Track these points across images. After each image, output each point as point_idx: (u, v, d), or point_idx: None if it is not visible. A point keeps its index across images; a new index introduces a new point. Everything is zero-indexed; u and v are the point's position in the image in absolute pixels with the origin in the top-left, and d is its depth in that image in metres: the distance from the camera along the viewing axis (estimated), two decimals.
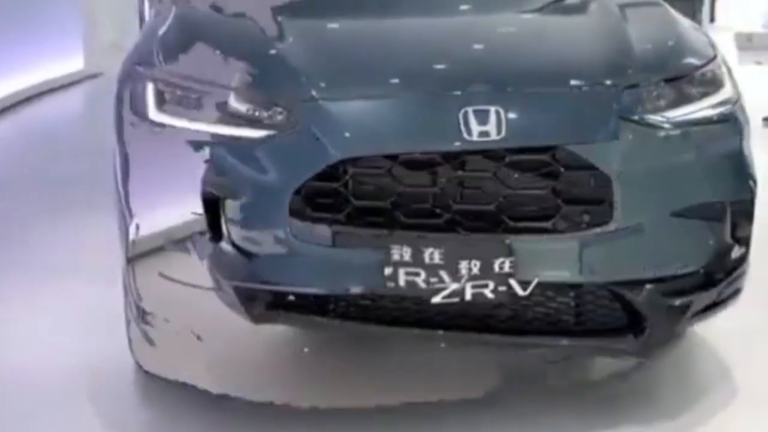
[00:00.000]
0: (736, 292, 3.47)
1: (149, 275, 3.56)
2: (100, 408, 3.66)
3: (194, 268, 3.46)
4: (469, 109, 3.20)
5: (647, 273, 3.23)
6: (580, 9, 4.07)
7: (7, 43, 8.71)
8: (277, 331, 3.80)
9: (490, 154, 3.19)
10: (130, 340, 3.78)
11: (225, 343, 3.85)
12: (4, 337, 4.22)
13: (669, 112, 3.31)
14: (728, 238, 3.36)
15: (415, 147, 3.23)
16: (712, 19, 12.51)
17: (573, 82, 3.35)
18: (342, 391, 3.72)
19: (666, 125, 3.28)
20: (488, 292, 3.14)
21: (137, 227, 3.54)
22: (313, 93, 3.39)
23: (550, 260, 3.20)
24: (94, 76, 9.97)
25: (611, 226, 3.16)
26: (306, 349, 4.03)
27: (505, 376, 3.79)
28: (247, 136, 3.40)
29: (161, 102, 3.51)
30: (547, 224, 3.17)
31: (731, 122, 3.44)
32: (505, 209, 3.17)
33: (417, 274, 3.18)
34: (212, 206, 3.59)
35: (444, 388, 3.72)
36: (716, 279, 3.35)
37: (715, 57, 3.62)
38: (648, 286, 3.23)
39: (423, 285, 3.19)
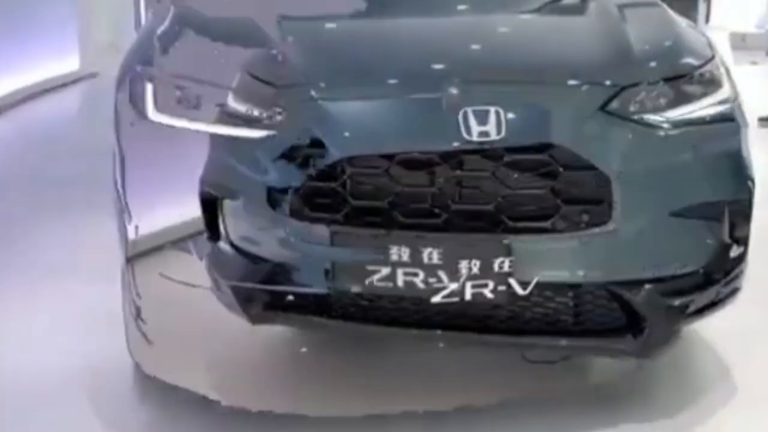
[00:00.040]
0: (735, 291, 3.47)
1: (148, 275, 3.56)
2: (100, 408, 3.65)
3: (193, 268, 3.46)
4: (469, 110, 3.19)
5: (646, 273, 3.23)
6: (578, 9, 4.08)
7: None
8: (275, 331, 3.82)
9: (488, 153, 3.18)
10: (128, 341, 3.78)
11: (223, 344, 3.85)
12: (3, 337, 4.21)
13: (668, 112, 3.31)
14: (727, 238, 3.36)
15: (415, 147, 3.23)
16: (707, 20, 12.51)
17: (572, 82, 3.34)
18: (340, 391, 3.72)
19: (665, 125, 3.28)
20: (488, 292, 3.14)
21: (136, 227, 3.54)
22: (312, 93, 3.39)
23: (549, 260, 3.20)
24: (90, 76, 9.95)
25: (610, 226, 3.16)
26: (304, 349, 4.03)
27: (504, 377, 3.79)
28: (246, 136, 3.39)
29: (160, 102, 3.51)
30: (546, 224, 3.16)
31: (730, 122, 3.44)
32: (503, 209, 3.17)
33: (415, 275, 3.18)
34: (210, 206, 3.59)
35: (443, 388, 3.72)
36: (715, 279, 3.35)
37: (713, 57, 3.62)
38: (647, 286, 3.22)
39: (421, 285, 3.19)
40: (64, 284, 4.65)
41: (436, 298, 3.17)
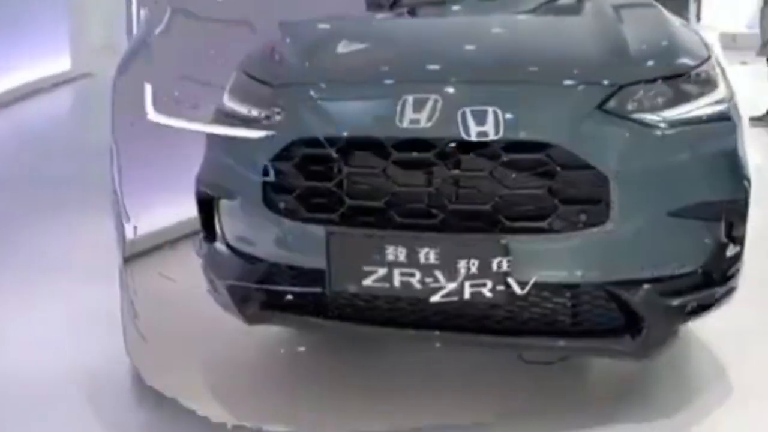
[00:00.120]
0: (731, 291, 3.46)
1: (145, 275, 3.56)
2: (97, 408, 3.64)
3: (190, 268, 3.46)
4: (467, 110, 3.19)
5: (644, 273, 3.21)
6: (575, 10, 4.08)
7: None
8: (271, 331, 3.82)
9: (485, 153, 3.18)
10: (126, 341, 3.78)
11: (220, 344, 3.85)
12: None
13: (665, 111, 3.30)
14: (725, 238, 3.36)
15: (410, 146, 3.22)
16: (698, 19, 12.53)
17: (569, 81, 3.33)
18: (337, 391, 3.71)
19: (662, 124, 3.26)
20: (486, 291, 3.13)
21: (134, 227, 3.54)
22: (309, 92, 3.40)
23: (547, 260, 3.18)
24: (82, 76, 9.94)
25: (608, 226, 3.14)
26: (301, 348, 4.03)
27: (501, 377, 3.78)
28: (242, 135, 3.39)
29: (158, 102, 3.51)
30: (544, 224, 3.15)
31: (727, 121, 3.43)
32: (501, 209, 3.16)
33: (412, 275, 3.17)
34: (206, 206, 3.60)
35: (440, 388, 3.71)
36: (713, 279, 3.33)
37: (709, 57, 3.61)
38: (645, 286, 3.21)
39: (418, 285, 3.18)
40: (60, 284, 4.65)
41: (435, 298, 3.16)
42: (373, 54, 3.73)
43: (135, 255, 3.53)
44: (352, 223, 3.26)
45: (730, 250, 3.38)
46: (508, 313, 3.29)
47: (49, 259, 4.98)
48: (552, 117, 3.21)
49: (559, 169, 3.14)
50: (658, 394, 3.65)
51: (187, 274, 3.59)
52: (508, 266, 3.12)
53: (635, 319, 3.23)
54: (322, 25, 3.98)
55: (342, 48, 3.73)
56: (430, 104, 3.24)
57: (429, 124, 3.21)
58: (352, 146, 3.28)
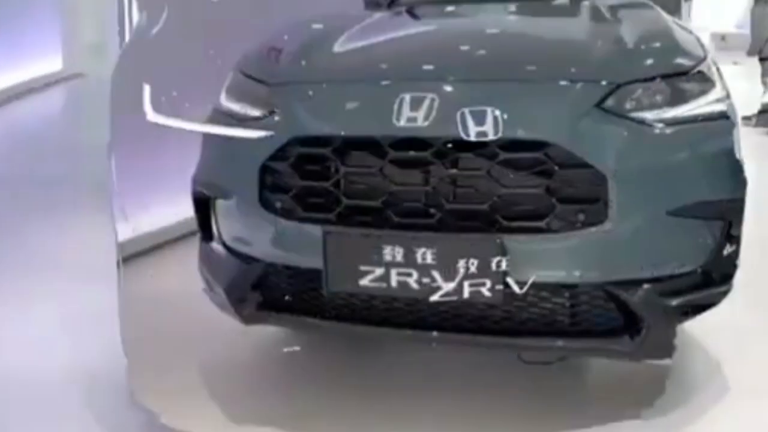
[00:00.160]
0: (728, 290, 3.46)
1: (142, 275, 3.56)
2: (96, 408, 3.63)
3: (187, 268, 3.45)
4: (466, 110, 3.17)
5: (643, 273, 3.19)
6: (572, 9, 4.08)
7: None
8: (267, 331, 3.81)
9: (483, 152, 3.17)
10: (123, 340, 3.77)
11: (217, 344, 3.85)
12: None
13: (664, 110, 3.28)
14: (724, 237, 3.35)
15: (408, 146, 3.21)
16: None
17: (567, 80, 3.31)
18: (334, 391, 3.70)
19: (661, 123, 3.25)
20: (485, 291, 3.12)
21: (132, 227, 3.53)
22: (306, 91, 3.39)
23: (545, 260, 3.16)
24: (73, 77, 9.92)
25: (606, 225, 3.12)
26: (297, 348, 4.02)
27: (499, 377, 3.78)
28: (238, 134, 3.39)
29: (157, 102, 3.50)
30: (542, 223, 3.14)
31: (725, 120, 3.42)
32: (498, 208, 3.14)
33: (409, 275, 3.16)
34: (203, 206, 3.59)
35: (438, 388, 3.71)
36: (712, 278, 3.32)
37: (705, 57, 3.61)
38: (644, 286, 3.18)
39: (415, 285, 3.16)
40: (55, 283, 4.65)
41: (434, 297, 3.15)
42: (369, 53, 3.73)
43: (132, 255, 3.52)
44: (349, 223, 3.25)
45: (728, 250, 3.38)
46: (506, 314, 3.27)
47: (43, 258, 4.97)
48: (550, 116, 3.19)
49: (557, 168, 3.12)
50: (654, 393, 3.64)
51: (184, 275, 3.58)
52: (507, 266, 3.11)
53: (634, 319, 3.21)
54: (318, 24, 3.97)
55: (339, 47, 3.71)
56: (427, 103, 3.23)
57: (426, 123, 3.20)
58: (348, 145, 3.27)
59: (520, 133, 3.16)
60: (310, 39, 3.81)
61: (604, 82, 3.26)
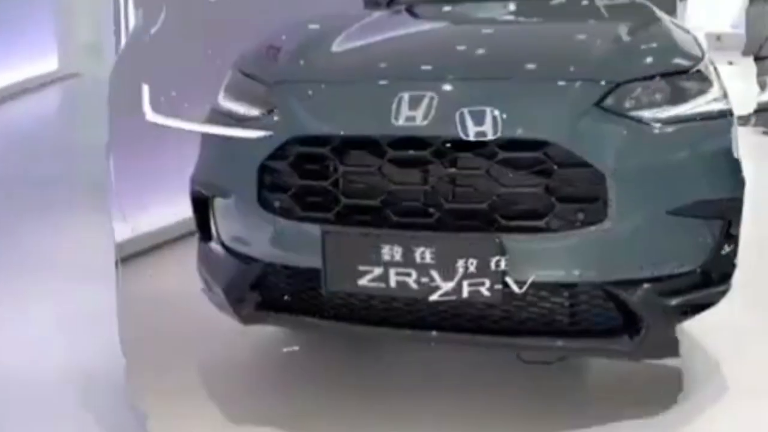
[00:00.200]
0: (726, 290, 3.46)
1: (142, 275, 3.55)
2: (93, 408, 3.63)
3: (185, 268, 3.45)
4: (465, 110, 3.17)
5: (643, 272, 3.19)
6: (571, 8, 4.07)
7: None
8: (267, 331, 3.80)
9: (482, 151, 3.16)
10: (121, 340, 3.76)
11: (215, 344, 3.84)
12: None
13: (663, 109, 3.27)
14: (723, 237, 3.34)
15: (407, 145, 3.21)
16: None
17: (566, 79, 3.31)
18: (333, 391, 3.70)
19: (661, 122, 3.25)
20: (485, 291, 3.11)
21: (131, 227, 3.53)
22: (304, 90, 3.39)
23: (544, 259, 3.16)
24: (69, 77, 9.90)
25: (606, 225, 3.11)
26: (293, 348, 4.02)
27: (499, 377, 3.78)
28: (237, 134, 3.38)
29: (156, 103, 3.49)
30: (541, 223, 3.13)
31: (723, 119, 3.42)
32: (497, 207, 3.13)
33: (408, 274, 3.16)
34: (201, 206, 3.58)
35: (437, 388, 3.71)
36: (712, 278, 3.31)
37: (703, 56, 3.61)
38: (644, 286, 3.18)
39: (414, 285, 3.16)
40: (51, 283, 4.63)
41: (434, 297, 3.14)
42: (368, 51, 3.73)
43: (131, 255, 3.51)
44: (347, 222, 3.24)
45: (727, 249, 3.37)
46: (506, 313, 3.26)
47: (39, 258, 4.96)
48: (549, 115, 3.18)
49: (556, 167, 3.11)
50: (654, 393, 3.64)
51: (184, 275, 3.57)
52: (506, 265, 3.10)
53: (633, 318, 3.21)
54: (317, 23, 3.97)
55: (337, 45, 3.71)
56: (425, 102, 3.22)
57: (425, 122, 3.19)
58: (347, 144, 3.26)
59: (520, 132, 3.15)
60: (309, 38, 3.81)
61: (603, 81, 3.25)
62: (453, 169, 3.18)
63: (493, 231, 3.13)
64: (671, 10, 4.33)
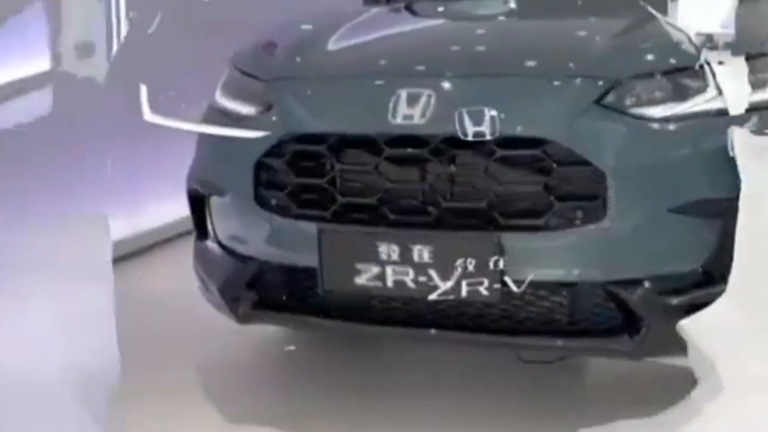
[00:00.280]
0: (724, 289, 3.45)
1: (139, 275, 3.54)
2: (91, 407, 3.61)
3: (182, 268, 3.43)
4: (462, 105, 3.15)
5: (643, 271, 3.16)
6: (570, 6, 4.06)
7: None
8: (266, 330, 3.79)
9: (481, 149, 3.14)
10: (118, 340, 3.74)
11: (214, 344, 3.83)
12: None
13: (663, 107, 3.26)
14: (722, 236, 3.33)
15: (405, 143, 3.19)
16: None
17: (566, 77, 3.28)
18: (333, 391, 3.69)
19: (661, 120, 3.23)
20: (483, 290, 3.09)
21: (129, 226, 3.51)
22: (301, 87, 3.38)
23: (544, 258, 3.14)
24: (63, 77, 9.84)
25: (605, 223, 3.09)
26: (292, 347, 4.01)
27: (499, 376, 3.78)
28: (233, 132, 3.37)
29: (154, 103, 3.48)
30: (540, 221, 3.11)
31: (721, 118, 3.41)
32: (496, 206, 3.12)
33: (405, 273, 3.14)
34: (198, 204, 3.57)
35: (437, 387, 3.70)
36: (712, 277, 3.28)
37: (700, 55, 3.60)
38: (644, 285, 3.16)
39: (411, 284, 3.14)
40: (50, 283, 4.60)
41: (432, 296, 3.13)
42: (366, 49, 3.71)
43: (130, 254, 3.50)
44: (344, 221, 3.23)
45: (726, 248, 3.36)
46: (505, 313, 3.25)
47: (38, 258, 4.93)
48: (548, 112, 3.16)
49: (555, 165, 3.09)
50: (651, 393, 3.63)
51: (182, 274, 3.56)
52: (505, 264, 3.08)
53: (633, 318, 3.18)
54: (315, 20, 3.95)
55: (335, 43, 3.69)
56: (423, 100, 3.20)
57: (423, 120, 3.17)
58: (344, 142, 3.24)
59: (518, 130, 3.13)
60: (306, 35, 3.79)
61: (603, 78, 3.23)
62: (451, 167, 3.17)
63: (492, 230, 3.11)
64: (663, 10, 4.33)
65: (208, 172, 3.55)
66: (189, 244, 3.75)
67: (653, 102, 3.25)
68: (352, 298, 3.34)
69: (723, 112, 3.41)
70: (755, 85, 3.50)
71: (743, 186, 3.32)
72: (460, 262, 3.07)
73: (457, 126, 3.11)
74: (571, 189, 3.13)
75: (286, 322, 3.58)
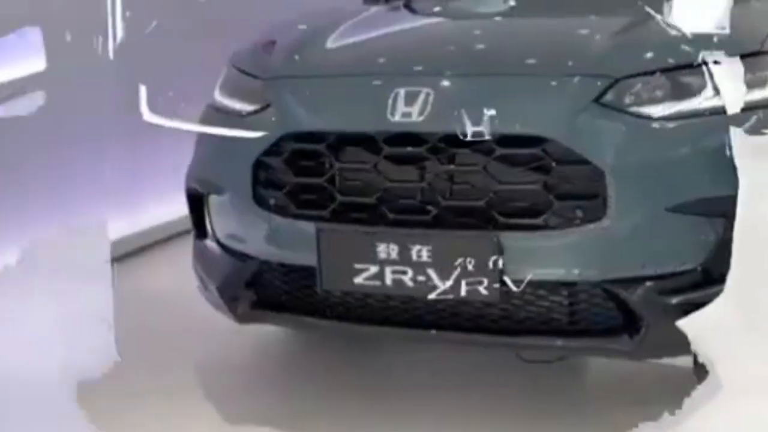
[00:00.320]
0: (723, 288, 3.43)
1: (139, 274, 3.53)
2: (91, 408, 3.60)
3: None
4: (460, 104, 3.14)
5: (643, 271, 3.14)
6: (570, 4, 4.05)
7: None
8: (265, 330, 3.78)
9: (479, 148, 3.13)
10: (117, 340, 3.74)
11: (213, 344, 3.82)
12: None
13: (663, 105, 3.23)
14: (721, 235, 3.31)
15: (403, 142, 3.19)
16: None
17: (565, 75, 3.26)
18: (333, 391, 3.68)
19: (661, 118, 3.21)
20: (482, 289, 3.08)
21: (128, 225, 3.51)
22: (299, 86, 3.37)
23: (543, 258, 3.12)
24: (58, 77, 9.83)
25: (605, 222, 3.07)
26: (296, 347, 4.00)
27: (499, 376, 3.77)
28: (232, 131, 3.37)
29: (153, 103, 3.48)
30: (539, 220, 3.10)
31: (720, 117, 3.40)
32: (495, 205, 3.10)
33: (404, 273, 3.14)
34: (196, 203, 3.57)
35: (437, 387, 3.70)
36: (713, 276, 3.24)
37: (698, 54, 3.59)
38: (644, 285, 3.14)
39: (410, 284, 3.14)
40: (50, 283, 4.59)
41: (432, 296, 3.12)
42: (364, 47, 3.70)
43: (129, 254, 3.49)
44: (343, 220, 3.22)
45: (725, 247, 3.34)
46: (505, 312, 3.23)
47: (37, 258, 4.92)
48: (547, 111, 3.15)
49: (554, 164, 3.08)
50: (651, 392, 3.62)
51: (181, 273, 3.55)
52: (504, 264, 3.07)
53: (633, 318, 3.16)
54: (313, 19, 3.94)
55: (333, 41, 3.68)
56: (422, 97, 3.19)
57: (421, 119, 3.17)
58: (342, 141, 3.24)
59: (517, 129, 3.12)
60: (305, 33, 3.78)
61: (602, 77, 3.22)
62: (450, 166, 3.16)
63: (491, 229, 3.10)
64: (659, 10, 4.31)
65: (207, 171, 3.55)
66: (189, 243, 3.74)
67: (652, 100, 3.23)
68: (351, 298, 3.33)
69: (721, 111, 3.39)
70: (754, 84, 3.47)
71: (740, 185, 3.31)
72: (459, 261, 3.07)
73: (456, 123, 3.09)
74: (570, 188, 3.11)
75: (285, 321, 3.57)
